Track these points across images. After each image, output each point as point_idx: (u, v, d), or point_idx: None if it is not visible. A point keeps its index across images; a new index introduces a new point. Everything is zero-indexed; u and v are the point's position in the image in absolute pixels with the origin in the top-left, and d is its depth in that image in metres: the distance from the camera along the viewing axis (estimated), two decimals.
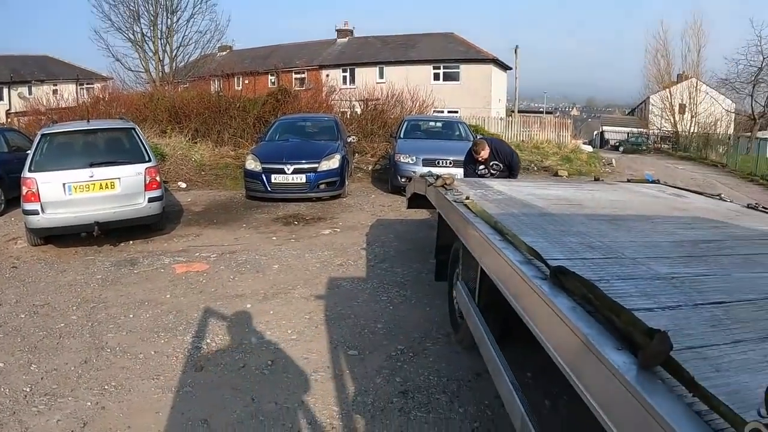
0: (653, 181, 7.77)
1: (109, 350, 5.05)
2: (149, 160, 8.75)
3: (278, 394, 4.35)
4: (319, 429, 3.95)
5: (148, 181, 8.55)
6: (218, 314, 5.87)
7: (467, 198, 4.32)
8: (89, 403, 4.17)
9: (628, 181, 7.96)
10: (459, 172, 8.57)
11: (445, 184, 5.14)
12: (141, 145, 8.87)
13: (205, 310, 5.94)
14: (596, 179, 8.34)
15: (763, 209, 5.44)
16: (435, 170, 11.51)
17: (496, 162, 8.09)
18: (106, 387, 4.41)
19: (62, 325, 5.62)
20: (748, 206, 5.62)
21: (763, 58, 34.26)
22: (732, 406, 1.47)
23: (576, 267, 2.71)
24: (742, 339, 2.08)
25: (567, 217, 4.23)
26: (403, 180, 12.14)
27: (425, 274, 7.07)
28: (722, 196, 6.36)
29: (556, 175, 17.97)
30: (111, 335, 5.36)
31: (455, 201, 4.37)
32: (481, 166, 8.08)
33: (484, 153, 7.95)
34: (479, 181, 6.07)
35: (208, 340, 5.24)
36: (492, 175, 8.01)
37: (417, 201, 7.03)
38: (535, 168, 18.80)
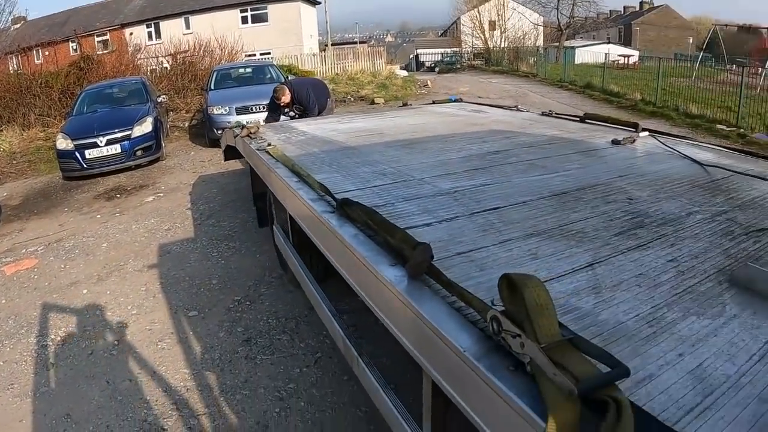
0: (456, 100, 8.08)
1: None
2: None
3: (130, 371, 4.35)
4: (175, 393, 4.01)
5: None
6: (57, 307, 5.64)
7: (269, 144, 4.39)
8: None
9: (433, 103, 8.20)
10: None
11: (250, 133, 5.15)
12: None
13: (43, 307, 5.67)
14: (404, 104, 8.54)
15: (556, 115, 5.79)
16: (249, 117, 11.49)
17: (298, 105, 8.22)
18: None
19: None
20: (543, 113, 5.97)
21: None
22: (489, 298, 1.63)
23: (365, 196, 2.90)
24: (510, 238, 2.32)
25: (365, 148, 4.38)
26: (218, 132, 11.84)
27: (251, 222, 7.11)
28: (519, 107, 6.71)
29: (372, 103, 18.16)
30: None
31: (258, 149, 4.41)
32: (286, 109, 8.23)
33: (285, 98, 8.05)
34: (285, 125, 6.12)
35: (53, 336, 5.03)
36: (296, 116, 8.15)
37: (232, 152, 7.02)
38: (352, 99, 18.92)
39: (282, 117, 8.32)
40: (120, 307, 5.43)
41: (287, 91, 8.06)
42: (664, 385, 1.43)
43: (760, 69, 18.21)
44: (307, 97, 8.22)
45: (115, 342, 4.79)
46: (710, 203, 2.80)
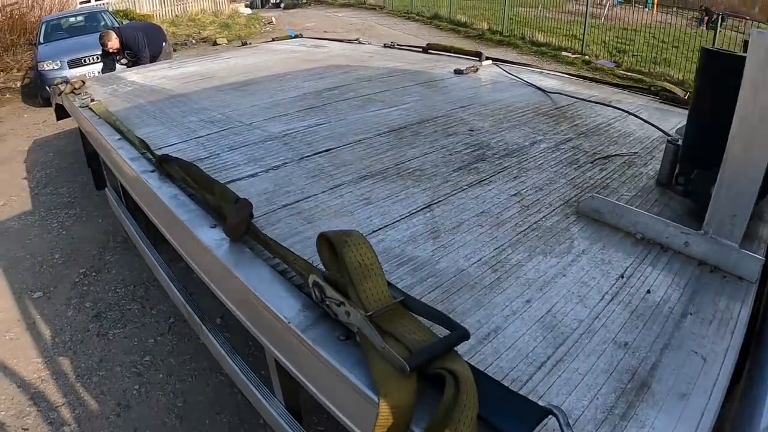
0: (296, 36, 7.82)
1: None
2: None
3: None
4: (30, 387, 3.68)
5: None
6: None
7: (92, 100, 4.03)
8: None
9: (273, 40, 7.90)
10: None
11: (74, 89, 4.72)
12: None
13: None
14: (243, 44, 8.21)
15: (398, 47, 5.71)
16: (83, 69, 10.82)
17: (128, 50, 7.78)
18: None
19: None
20: (385, 45, 5.86)
21: None
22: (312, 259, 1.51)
23: (189, 149, 2.68)
24: (341, 183, 2.20)
25: (194, 94, 4.12)
26: (50, 89, 11.18)
27: (91, 186, 6.64)
28: (360, 40, 6.56)
29: (215, 44, 17.46)
30: None
31: (81, 106, 4.05)
32: (118, 56, 7.77)
33: (111, 44, 7.60)
34: (113, 76, 5.67)
35: None
36: (129, 63, 7.74)
37: (63, 111, 6.52)
38: (194, 41, 18.11)
39: (118, 66, 7.80)
40: None
41: (113, 36, 7.60)
42: (512, 339, 1.36)
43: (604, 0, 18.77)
44: (135, 41, 7.76)
45: None
46: (555, 131, 2.82)
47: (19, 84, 14.73)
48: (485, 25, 16.92)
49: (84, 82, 4.89)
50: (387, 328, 1.19)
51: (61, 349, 3.98)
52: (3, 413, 3.50)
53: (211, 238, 1.76)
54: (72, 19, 14.74)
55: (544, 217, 1.95)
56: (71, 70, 11.12)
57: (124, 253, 5.07)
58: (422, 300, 1.38)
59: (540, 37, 14.54)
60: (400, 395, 1.08)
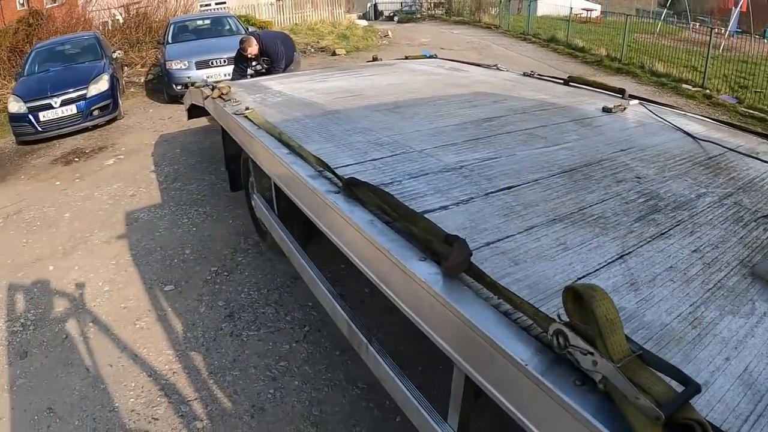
0: (430, 56, 7.88)
1: None
2: None
3: (110, 354, 4.11)
4: (161, 378, 3.83)
5: None
6: (23, 287, 5.27)
7: (247, 108, 4.15)
8: None
9: (406, 58, 7.99)
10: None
11: (222, 94, 4.88)
12: None
13: (9, 288, 5.29)
14: (374, 59, 8.32)
15: (539, 76, 5.71)
16: (210, 71, 11.16)
17: (266, 57, 7.97)
18: None
19: None
20: (524, 74, 5.88)
21: None
22: (535, 300, 1.60)
23: (366, 171, 2.74)
24: (534, 225, 2.23)
25: (351, 112, 4.19)
26: (178, 88, 11.58)
27: (220, 185, 6.88)
28: (499, 66, 6.57)
29: (334, 54, 17.81)
30: None
31: (235, 113, 4.18)
32: (254, 62, 7.97)
33: (252, 49, 7.78)
34: (256, 84, 5.81)
35: (23, 320, 4.70)
36: (263, 70, 7.95)
37: (197, 111, 6.75)
38: (312, 50, 18.53)
39: (248, 70, 8.08)
40: (90, 284, 5.14)
41: (254, 42, 7.80)
42: (719, 393, 1.43)
43: (723, 29, 18.25)
44: (274, 50, 7.97)
45: (90, 323, 4.52)
46: (715, 184, 2.84)
47: (143, 79, 15.42)
48: (603, 51, 16.62)
49: (230, 88, 5.04)
50: (632, 378, 1.25)
51: (194, 345, 4.12)
52: (133, 400, 3.66)
53: (426, 272, 1.78)
54: (199, 22, 15.31)
55: (725, 276, 1.98)
56: (198, 71, 11.50)
57: (256, 256, 5.22)
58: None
59: (659, 67, 14.13)
60: None
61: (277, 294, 4.58)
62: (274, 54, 7.92)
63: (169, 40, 13.59)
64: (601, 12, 32.51)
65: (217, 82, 5.63)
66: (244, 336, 4.13)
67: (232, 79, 7.63)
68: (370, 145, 3.26)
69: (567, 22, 20.73)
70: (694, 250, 2.13)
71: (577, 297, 1.37)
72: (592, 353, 1.32)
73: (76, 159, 9.41)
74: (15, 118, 10.63)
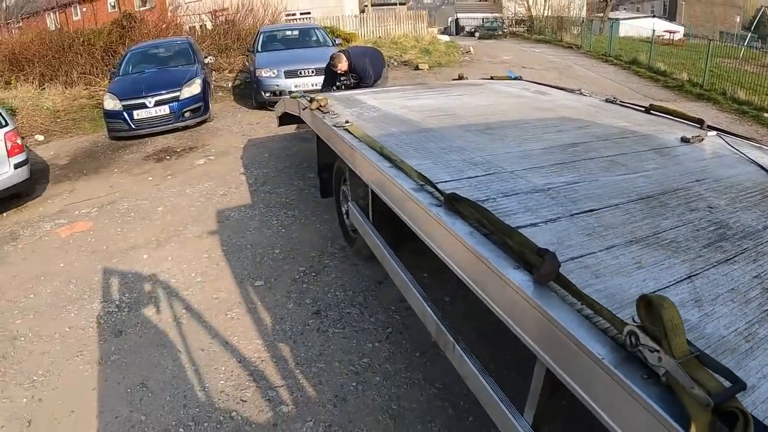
0: (515, 78, 8.08)
1: (23, 339, 4.77)
2: (6, 125, 8.15)
3: (201, 339, 4.50)
4: (249, 364, 4.16)
5: (9, 147, 7.96)
6: (118, 272, 5.75)
7: (347, 122, 4.46)
8: (24, 400, 4.01)
9: (491, 78, 8.21)
10: (321, 79, 8.82)
11: (321, 106, 5.19)
12: None
13: (104, 272, 5.79)
14: (460, 78, 8.55)
15: (621, 103, 5.84)
16: (298, 81, 11.54)
17: (354, 74, 8.25)
18: (34, 378, 4.24)
19: None
20: (607, 100, 6.01)
21: None
22: (611, 308, 1.85)
23: (463, 187, 3.02)
24: (614, 244, 2.47)
25: (445, 131, 4.45)
26: (267, 95, 12.11)
27: (308, 190, 7.27)
28: (582, 90, 6.72)
29: (417, 69, 18.11)
30: (19, 322, 5.05)
31: (336, 126, 4.49)
32: (343, 77, 8.25)
33: (341, 66, 8.08)
34: (351, 98, 6.13)
35: (117, 302, 5.14)
36: (351, 84, 8.22)
37: (288, 119, 7.17)
38: (396, 63, 18.82)
39: (337, 83, 8.38)
40: (184, 274, 5.56)
41: (344, 59, 8.11)
42: (764, 396, 1.64)
43: None
44: (363, 68, 8.26)
45: (183, 310, 4.94)
46: None
47: (230, 84, 15.98)
48: (685, 76, 16.46)
49: (327, 101, 5.36)
50: (690, 373, 1.50)
51: (282, 337, 4.45)
52: (223, 382, 3.99)
53: (520, 278, 2.06)
54: (288, 32, 15.71)
55: None
56: (287, 80, 11.96)
57: (343, 259, 5.53)
58: None
59: (741, 94, 13.93)
60: (704, 424, 1.41)
61: (362, 296, 4.89)
62: (362, 71, 8.22)
63: (259, 49, 14.06)
64: (684, 34, 31.98)
65: (310, 92, 5.99)
66: (330, 332, 4.45)
67: (321, 91, 8.00)
68: (466, 163, 3.52)
69: (649, 44, 20.57)
70: (755, 276, 2.30)
71: (649, 304, 1.63)
72: (658, 351, 1.57)
73: (168, 157, 10.02)
74: (110, 115, 11.35)
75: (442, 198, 2.79)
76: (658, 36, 25.61)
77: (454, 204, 2.64)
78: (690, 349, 1.57)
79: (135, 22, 18.40)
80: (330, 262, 5.54)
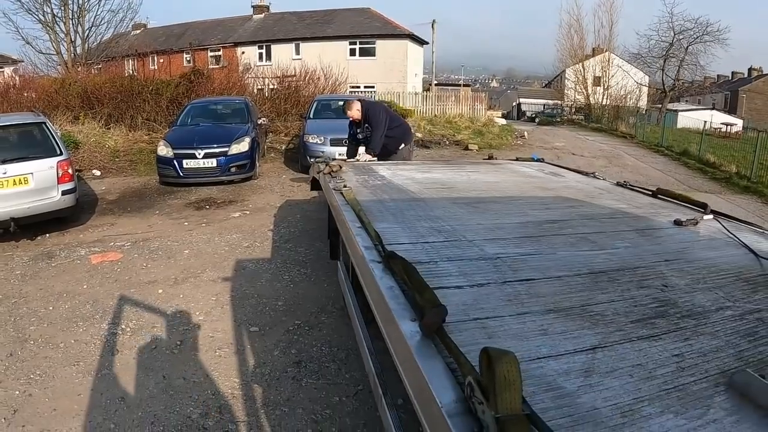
0: (538, 160, 8.16)
1: (32, 342, 5.34)
2: (60, 154, 8.75)
3: (186, 370, 4.82)
4: (221, 398, 4.42)
5: (60, 175, 8.58)
6: (132, 301, 6.20)
7: (345, 186, 4.67)
8: (17, 392, 4.51)
9: (517, 159, 8.30)
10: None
11: (332, 171, 5.48)
12: (52, 139, 8.86)
13: (120, 298, 6.26)
14: (490, 157, 8.71)
15: (630, 186, 5.78)
16: (342, 149, 11.84)
17: (368, 125, 8.41)
18: (31, 376, 4.74)
19: None
20: (618, 184, 5.98)
21: (674, 34, 36.27)
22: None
23: (415, 250, 3.15)
24: (529, 311, 2.46)
25: (433, 202, 4.59)
26: (311, 160, 12.39)
27: (324, 252, 7.43)
28: (596, 174, 6.68)
29: (466, 149, 18.38)
30: (33, 328, 5.65)
31: (334, 188, 4.71)
32: (357, 129, 8.55)
33: (351, 112, 8.37)
34: (367, 167, 6.39)
35: (123, 326, 5.59)
36: (367, 136, 8.41)
37: (318, 183, 7.40)
38: (447, 142, 19.19)
39: (358, 136, 8.63)
40: (189, 312, 5.93)
41: (357, 106, 8.35)
42: None
43: None
44: (377, 120, 8.32)
45: (179, 342, 5.28)
46: (747, 300, 2.76)
47: (283, 147, 16.51)
48: (733, 168, 16.27)
49: (341, 167, 5.63)
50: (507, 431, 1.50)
51: (259, 379, 4.70)
52: (191, 409, 4.29)
53: (409, 329, 2.16)
54: (341, 103, 16.10)
55: (694, 381, 1.99)
56: (332, 148, 12.44)
57: (338, 318, 5.71)
58: (549, 423, 1.60)
59: None
60: None
61: (344, 353, 5.04)
62: (375, 123, 8.29)
63: (311, 115, 14.63)
64: (743, 128, 31.52)
65: (332, 159, 6.24)
66: (304, 382, 4.63)
67: (347, 146, 8.35)
68: (431, 230, 3.64)
69: (702, 137, 20.47)
70: (676, 355, 2.17)
71: (489, 357, 1.63)
72: (483, 403, 1.60)
73: (207, 206, 10.56)
74: (162, 161, 12.01)
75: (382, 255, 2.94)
76: (715, 128, 25.38)
77: (390, 261, 2.78)
78: (523, 408, 1.57)
79: (202, 77, 19.35)
80: (326, 319, 5.74)
